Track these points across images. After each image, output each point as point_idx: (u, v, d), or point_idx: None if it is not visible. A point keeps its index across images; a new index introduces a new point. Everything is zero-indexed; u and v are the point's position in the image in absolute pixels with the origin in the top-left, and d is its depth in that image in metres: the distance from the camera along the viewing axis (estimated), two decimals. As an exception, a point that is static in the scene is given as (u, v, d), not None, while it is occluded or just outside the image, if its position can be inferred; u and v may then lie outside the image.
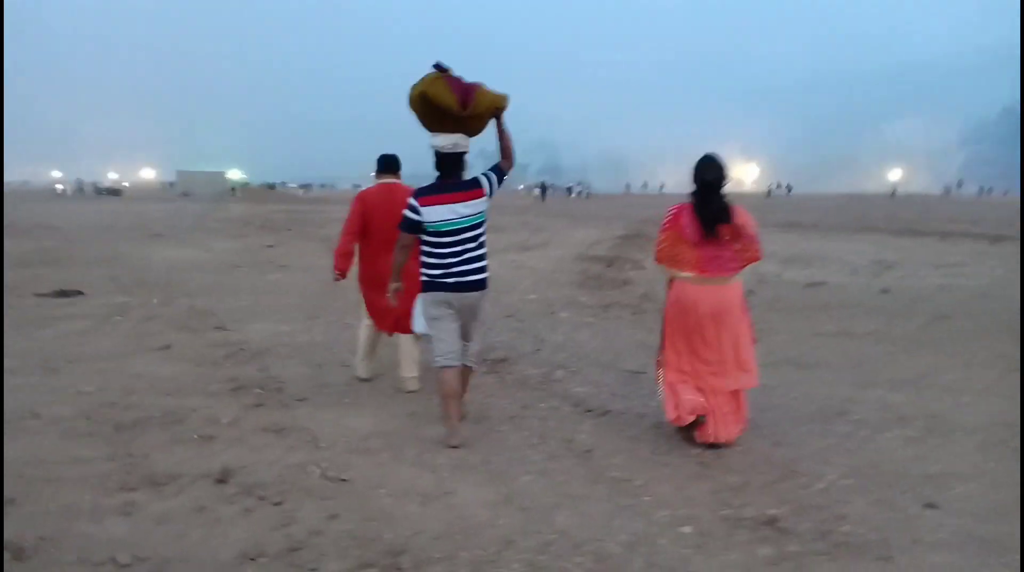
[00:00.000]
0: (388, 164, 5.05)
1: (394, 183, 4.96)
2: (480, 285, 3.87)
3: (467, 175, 3.92)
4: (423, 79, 3.80)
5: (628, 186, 79.02)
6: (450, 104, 3.69)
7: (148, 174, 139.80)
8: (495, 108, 3.89)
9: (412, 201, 3.81)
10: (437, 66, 3.83)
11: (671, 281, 3.91)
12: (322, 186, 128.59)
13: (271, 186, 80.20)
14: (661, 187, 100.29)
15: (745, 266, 3.81)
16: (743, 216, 3.81)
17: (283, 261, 12.76)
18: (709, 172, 3.83)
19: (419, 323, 4.16)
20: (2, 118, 8.88)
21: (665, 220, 3.90)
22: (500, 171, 3.95)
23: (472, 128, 3.89)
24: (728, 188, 3.88)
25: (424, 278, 3.87)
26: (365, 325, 5.17)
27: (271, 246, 15.41)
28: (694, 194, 3.84)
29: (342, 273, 5.13)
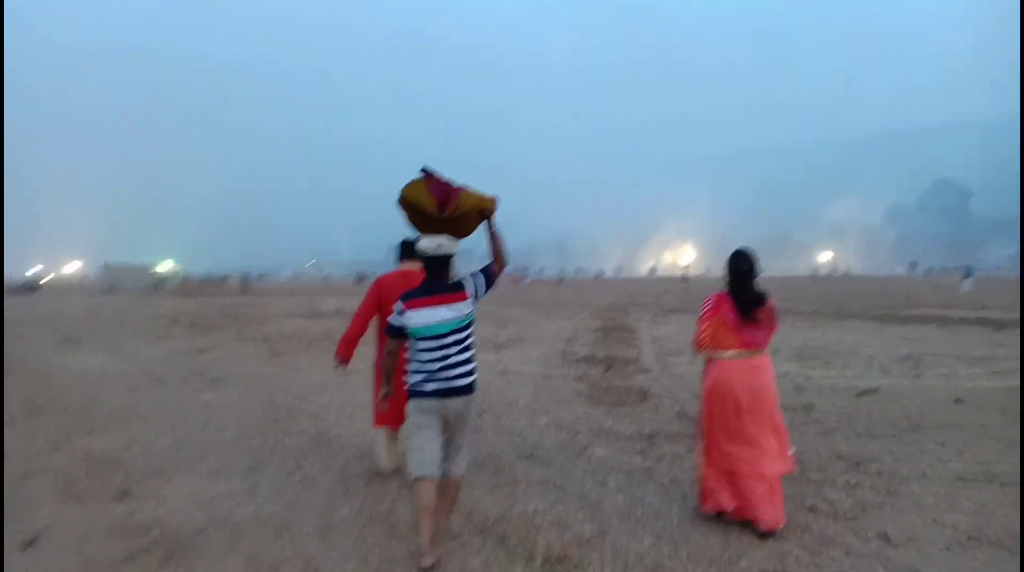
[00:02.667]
0: (410, 250, 4.97)
1: (413, 270, 4.86)
2: (465, 390, 3.73)
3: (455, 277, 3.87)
4: (408, 183, 3.87)
5: (563, 272, 78.34)
6: (428, 207, 3.76)
7: (73, 267, 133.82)
8: (480, 210, 3.90)
9: (397, 305, 3.76)
10: (423, 170, 3.91)
11: (708, 361, 4.24)
12: (260, 277, 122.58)
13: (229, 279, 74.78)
14: (619, 270, 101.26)
15: (769, 338, 4.20)
16: (772, 300, 4.18)
17: (217, 371, 10.59)
18: (744, 263, 4.20)
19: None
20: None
21: (705, 311, 4.24)
22: (489, 273, 3.90)
23: (458, 230, 3.90)
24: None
25: (408, 384, 3.76)
26: (376, 434, 5.09)
27: (203, 351, 13.16)
28: (731, 284, 4.21)
29: (343, 360, 4.97)
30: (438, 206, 3.77)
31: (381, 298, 4.83)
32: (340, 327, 18.66)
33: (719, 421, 4.08)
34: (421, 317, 3.66)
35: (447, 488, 3.78)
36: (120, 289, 53.87)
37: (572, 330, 16.89)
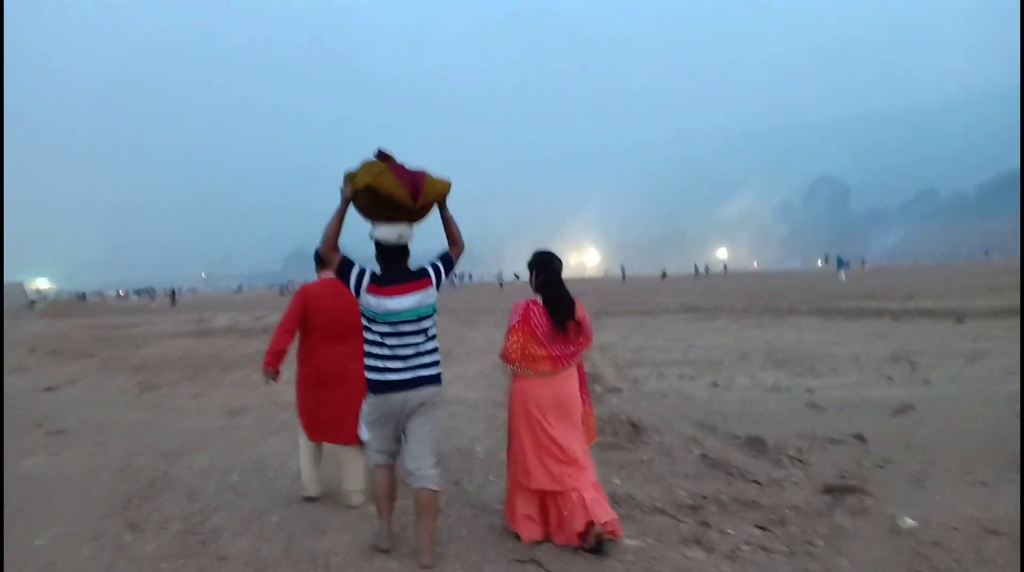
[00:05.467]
0: None
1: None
2: (435, 380, 3.60)
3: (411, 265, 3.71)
4: (367, 168, 3.47)
5: (500, 275, 73.77)
6: (401, 197, 3.42)
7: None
8: (442, 196, 3.64)
9: (363, 282, 3.51)
10: (380, 154, 3.55)
11: (515, 378, 3.79)
12: (141, 292, 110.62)
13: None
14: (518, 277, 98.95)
15: (579, 353, 3.80)
16: (581, 309, 3.77)
17: (63, 419, 8.02)
18: (556, 265, 3.82)
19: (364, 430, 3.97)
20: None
21: (514, 319, 3.75)
22: (449, 259, 3.75)
23: (418, 217, 3.63)
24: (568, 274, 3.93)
25: (368, 378, 3.58)
26: (303, 442, 4.60)
27: (52, 389, 10.41)
28: (543, 288, 3.76)
29: (275, 370, 4.48)
30: (411, 195, 3.44)
31: (307, 308, 4.51)
32: (230, 346, 16.15)
33: (530, 439, 3.67)
34: (382, 305, 3.48)
35: (424, 502, 3.52)
36: (-18, 311, 48.10)
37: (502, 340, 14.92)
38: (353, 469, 4.50)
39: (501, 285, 61.89)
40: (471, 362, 11.50)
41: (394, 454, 3.70)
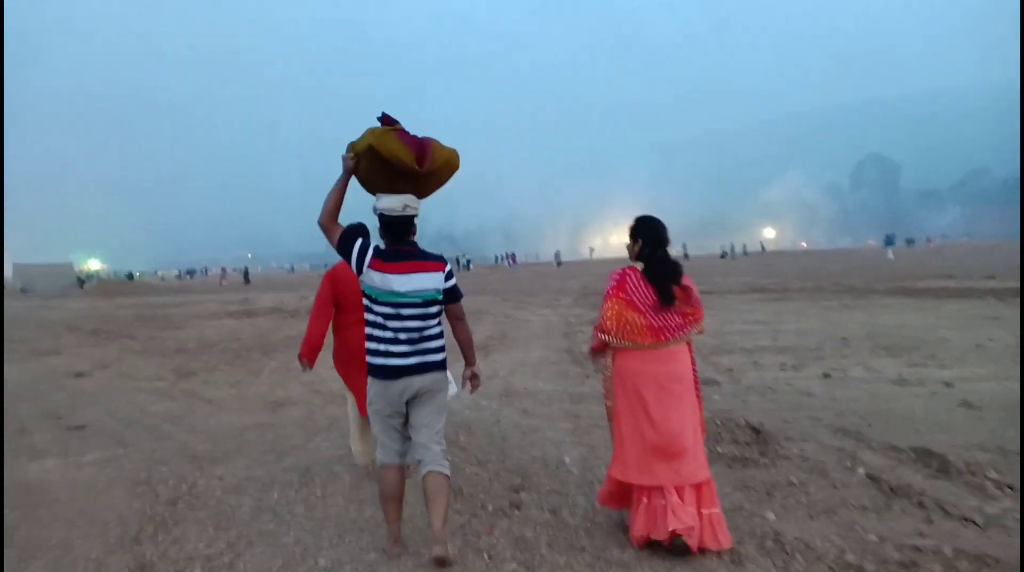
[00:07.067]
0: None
1: None
2: (435, 366, 3.29)
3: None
4: (370, 132, 3.27)
5: (557, 256, 72.27)
6: (406, 160, 3.17)
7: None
8: (451, 167, 3.42)
9: (365, 258, 3.21)
10: (385, 118, 3.35)
11: (614, 353, 3.41)
12: (190, 273, 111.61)
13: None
14: (591, 252, 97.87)
15: (693, 328, 3.38)
16: (687, 277, 3.40)
17: (84, 411, 7.16)
18: (662, 231, 3.46)
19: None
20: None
21: (609, 286, 3.42)
22: (457, 290, 3.40)
23: (425, 188, 3.40)
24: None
25: (368, 362, 3.30)
26: (351, 404, 4.63)
27: (81, 374, 9.61)
28: (648, 256, 3.41)
29: (309, 361, 4.44)
30: (416, 158, 3.18)
31: (337, 292, 4.49)
32: (274, 328, 15.33)
33: (629, 422, 3.29)
34: (385, 282, 3.19)
35: (435, 487, 3.19)
36: (34, 291, 48.51)
37: (563, 322, 13.78)
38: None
39: (559, 264, 62.28)
40: (531, 347, 10.40)
41: (403, 453, 3.39)
